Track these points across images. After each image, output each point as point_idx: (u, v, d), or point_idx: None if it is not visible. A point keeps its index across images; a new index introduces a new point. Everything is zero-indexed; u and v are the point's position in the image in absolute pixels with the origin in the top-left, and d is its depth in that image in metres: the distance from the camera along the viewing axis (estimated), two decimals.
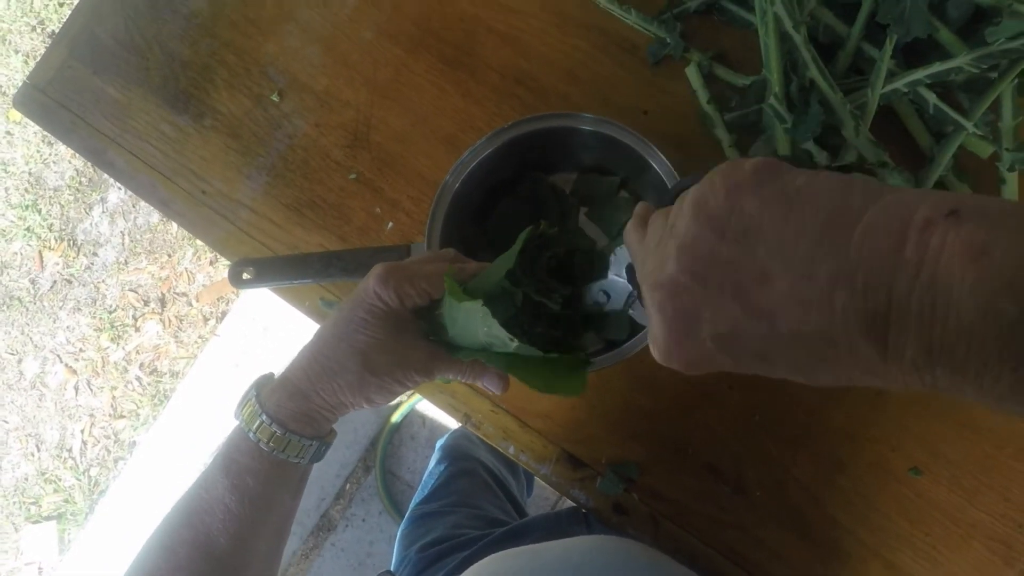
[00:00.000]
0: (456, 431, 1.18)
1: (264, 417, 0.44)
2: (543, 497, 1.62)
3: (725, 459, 0.64)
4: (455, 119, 0.72)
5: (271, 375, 0.49)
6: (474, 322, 0.44)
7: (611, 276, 0.64)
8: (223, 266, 1.89)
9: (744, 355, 0.26)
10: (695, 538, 0.64)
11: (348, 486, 1.70)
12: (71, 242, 1.99)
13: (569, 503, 0.69)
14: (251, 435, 0.44)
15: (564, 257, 0.62)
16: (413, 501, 0.92)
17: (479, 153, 0.60)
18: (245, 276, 0.61)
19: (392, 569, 0.77)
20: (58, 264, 1.99)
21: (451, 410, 0.68)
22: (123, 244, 1.97)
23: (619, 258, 0.64)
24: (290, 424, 0.44)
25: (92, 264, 1.98)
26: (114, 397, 1.91)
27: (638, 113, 0.69)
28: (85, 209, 2.00)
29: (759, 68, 0.66)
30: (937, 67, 0.58)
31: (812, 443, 0.64)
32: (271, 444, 0.44)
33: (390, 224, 0.71)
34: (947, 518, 0.62)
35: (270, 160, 0.73)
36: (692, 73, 0.68)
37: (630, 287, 0.47)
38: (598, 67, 0.70)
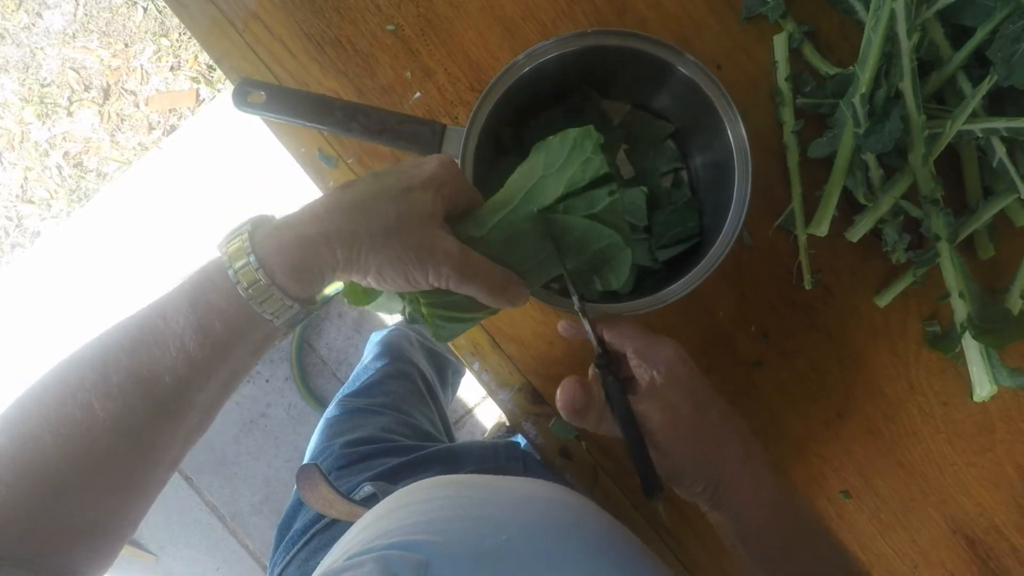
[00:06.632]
0: (395, 328, 1.13)
1: (252, 258, 0.38)
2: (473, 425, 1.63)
3: None
4: (520, 4, 0.64)
5: (271, 217, 0.42)
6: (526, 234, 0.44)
7: None
8: (185, 76, 1.71)
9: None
10: (628, 501, 0.64)
11: None
12: None
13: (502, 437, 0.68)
14: (231, 273, 0.38)
15: None
16: (342, 392, 0.88)
17: (553, 49, 0.53)
18: (251, 99, 0.53)
19: (311, 458, 0.74)
20: None
21: None
22: (75, 15, 1.74)
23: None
24: (278, 275, 0.38)
25: (33, 25, 1.74)
26: (26, 179, 1.74)
27: (712, 65, 0.64)
28: None
29: (847, 61, 0.63)
30: (1022, 123, 0.56)
31: (764, 446, 0.64)
32: (250, 291, 0.38)
33: (417, 94, 0.64)
34: (858, 543, 0.65)
35: None
36: (780, 42, 0.63)
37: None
38: (688, 1, 0.64)
